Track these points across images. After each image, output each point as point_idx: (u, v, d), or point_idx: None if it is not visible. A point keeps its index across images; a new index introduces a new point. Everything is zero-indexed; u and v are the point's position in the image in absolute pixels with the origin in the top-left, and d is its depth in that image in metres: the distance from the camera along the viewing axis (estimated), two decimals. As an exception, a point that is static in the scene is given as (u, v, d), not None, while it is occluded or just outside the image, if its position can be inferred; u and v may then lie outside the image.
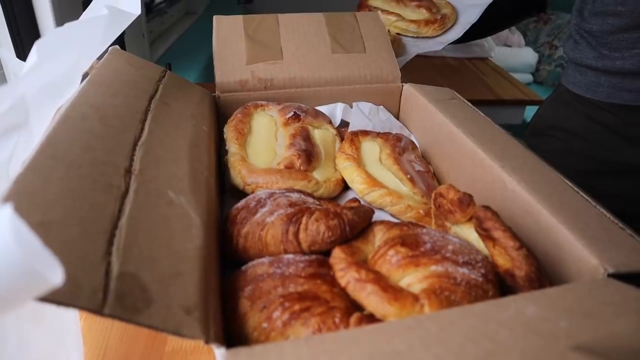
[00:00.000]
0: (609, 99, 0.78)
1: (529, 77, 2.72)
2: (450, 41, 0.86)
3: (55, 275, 0.19)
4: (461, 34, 0.86)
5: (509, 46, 2.63)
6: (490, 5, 0.86)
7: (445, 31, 0.89)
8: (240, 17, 0.71)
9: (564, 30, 2.71)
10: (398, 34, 0.89)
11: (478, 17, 0.86)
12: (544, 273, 0.35)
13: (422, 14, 0.91)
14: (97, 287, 0.25)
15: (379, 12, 0.79)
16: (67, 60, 0.41)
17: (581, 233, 0.36)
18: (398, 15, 0.91)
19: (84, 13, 0.47)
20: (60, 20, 0.80)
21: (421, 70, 1.50)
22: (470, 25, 0.86)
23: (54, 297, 0.22)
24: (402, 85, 0.70)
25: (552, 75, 2.73)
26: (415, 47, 0.87)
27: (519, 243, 0.35)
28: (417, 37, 0.89)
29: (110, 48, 0.50)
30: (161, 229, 0.32)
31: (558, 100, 0.90)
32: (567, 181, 0.43)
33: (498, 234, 0.35)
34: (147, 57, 1.27)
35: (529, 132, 0.95)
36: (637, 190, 0.80)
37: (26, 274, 0.18)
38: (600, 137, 0.81)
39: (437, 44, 0.87)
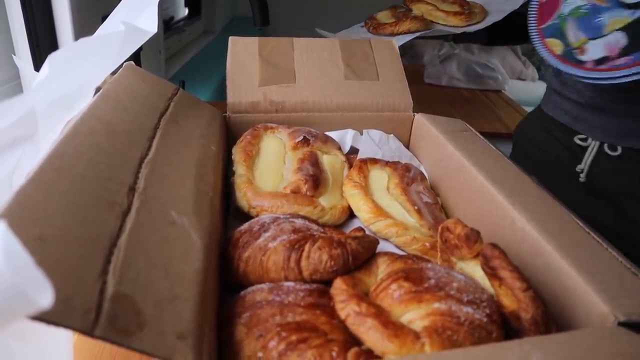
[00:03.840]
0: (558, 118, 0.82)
1: (541, 112, 2.72)
2: (471, 30, 1.00)
3: (44, 296, 0.18)
4: (482, 27, 0.99)
5: (523, 80, 2.63)
6: (516, 16, 0.94)
7: (470, 25, 1.03)
8: (255, 39, 0.72)
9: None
10: (431, 21, 1.06)
11: (501, 18, 0.98)
12: (550, 317, 0.34)
13: (454, 8, 1.06)
14: (90, 307, 0.24)
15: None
16: (81, 74, 0.41)
17: (591, 277, 0.35)
18: (434, 6, 1.08)
19: (99, 28, 0.47)
20: (79, 34, 0.81)
21: (433, 100, 1.50)
22: (492, 22, 0.99)
23: (45, 316, 0.21)
24: (414, 115, 0.70)
25: (565, 111, 2.72)
26: (439, 31, 1.03)
27: (527, 284, 0.33)
28: (445, 25, 1.05)
29: (124, 64, 0.51)
30: (161, 250, 0.31)
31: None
32: (578, 221, 0.42)
33: (505, 273, 0.34)
34: (162, 74, 1.29)
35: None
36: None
37: (14, 293, 0.18)
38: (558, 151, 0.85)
39: (459, 30, 1.02)
